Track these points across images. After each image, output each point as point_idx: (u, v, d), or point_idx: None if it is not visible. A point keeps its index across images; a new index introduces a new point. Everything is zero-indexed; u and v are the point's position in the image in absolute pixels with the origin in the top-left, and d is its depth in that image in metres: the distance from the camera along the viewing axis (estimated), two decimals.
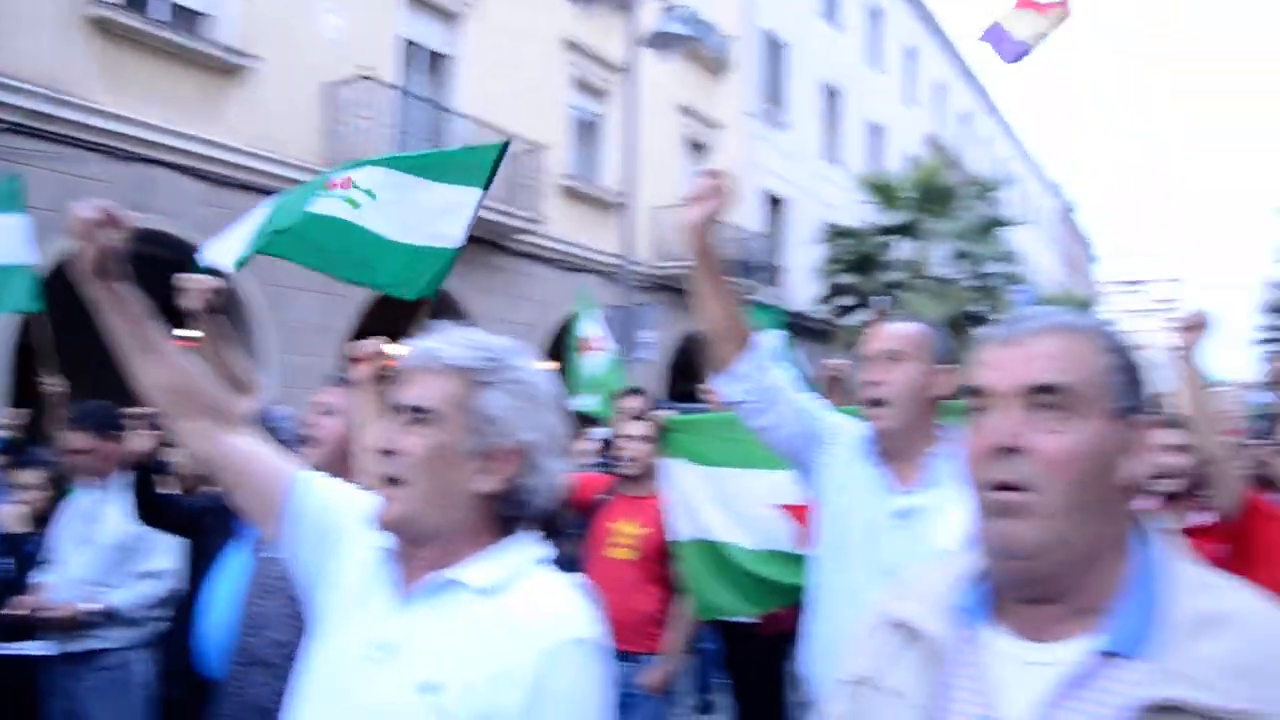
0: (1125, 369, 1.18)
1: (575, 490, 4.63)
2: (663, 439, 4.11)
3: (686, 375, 17.95)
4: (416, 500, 1.44)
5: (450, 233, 3.80)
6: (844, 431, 2.55)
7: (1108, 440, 1.14)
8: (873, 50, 28.67)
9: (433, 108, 14.35)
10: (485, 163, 3.88)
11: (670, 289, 18.23)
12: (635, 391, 5.26)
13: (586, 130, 17.56)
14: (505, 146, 3.96)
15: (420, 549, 1.47)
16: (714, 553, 3.85)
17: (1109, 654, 1.10)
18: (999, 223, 21.67)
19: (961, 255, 20.73)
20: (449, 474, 1.45)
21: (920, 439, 2.40)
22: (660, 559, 4.13)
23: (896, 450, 2.40)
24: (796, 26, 24.15)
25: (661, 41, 12.00)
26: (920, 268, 20.71)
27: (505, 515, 1.50)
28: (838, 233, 20.92)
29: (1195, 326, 3.05)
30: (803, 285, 22.69)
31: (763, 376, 2.50)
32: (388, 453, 1.46)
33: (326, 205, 3.74)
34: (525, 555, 1.50)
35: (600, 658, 1.42)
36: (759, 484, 3.46)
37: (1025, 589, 1.17)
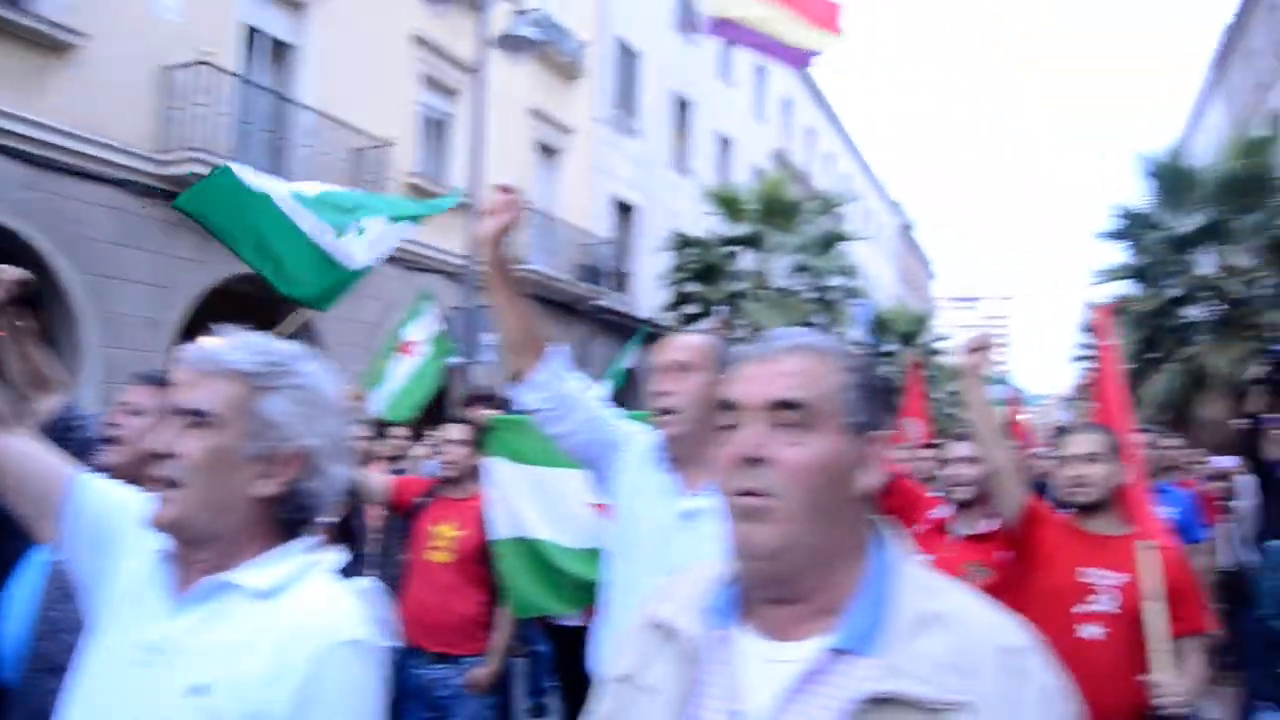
0: (863, 388, 1.28)
1: (395, 493, 4.62)
2: (484, 439, 4.14)
3: None
4: (193, 503, 1.44)
5: (361, 256, 3.85)
6: (636, 438, 2.64)
7: (843, 453, 1.24)
8: (723, 64, 29.28)
9: (275, 98, 13.94)
10: (435, 209, 4.03)
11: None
12: (484, 399, 5.25)
13: (435, 129, 17.37)
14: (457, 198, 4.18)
15: (197, 552, 1.47)
16: (532, 551, 3.89)
17: (841, 651, 1.19)
18: (840, 238, 22.39)
19: (803, 268, 21.34)
20: (227, 477, 1.45)
21: (708, 445, 2.51)
22: (480, 561, 4.15)
23: (685, 456, 2.50)
24: (649, 36, 24.46)
25: (511, 44, 11.99)
26: (763, 279, 21.23)
27: (286, 519, 1.52)
28: (684, 242, 21.25)
29: (980, 347, 3.26)
30: (650, 293, 22.98)
31: (559, 385, 2.58)
32: (164, 455, 1.45)
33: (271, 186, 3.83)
34: (304, 559, 1.52)
35: (372, 660, 1.45)
36: (578, 483, 3.53)
37: (768, 590, 1.25)
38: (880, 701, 1.14)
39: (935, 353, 40.00)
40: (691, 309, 21.30)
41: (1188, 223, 18.04)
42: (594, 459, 2.66)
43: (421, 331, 9.26)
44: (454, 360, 9.95)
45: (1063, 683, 1.20)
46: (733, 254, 21.34)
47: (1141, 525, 3.07)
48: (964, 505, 3.63)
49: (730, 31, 7.02)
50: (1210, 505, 7.35)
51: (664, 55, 25.29)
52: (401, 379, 8.85)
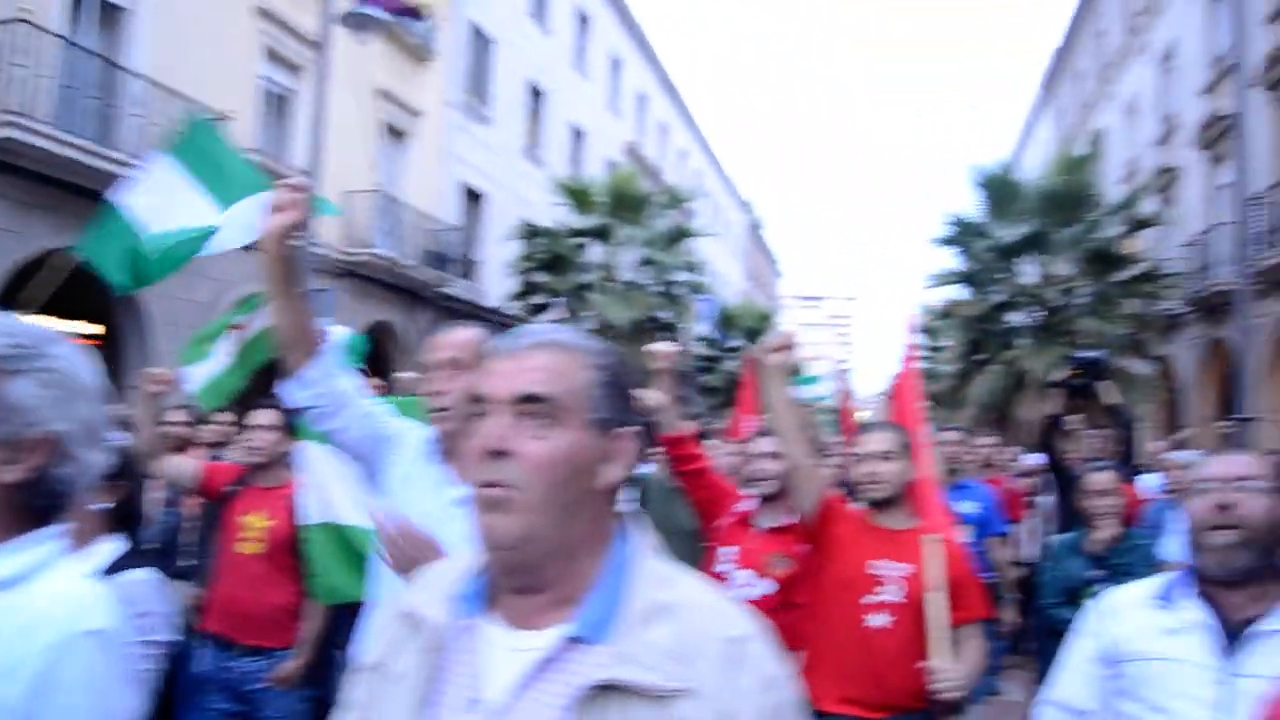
0: (608, 385, 1.31)
1: (205, 481, 4.46)
2: (295, 424, 4.04)
3: (373, 363, 17.59)
4: None
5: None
6: (410, 434, 2.66)
7: (587, 448, 1.27)
8: (579, 55, 29.29)
9: (104, 63, 13.23)
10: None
11: (359, 276, 17.84)
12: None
13: (277, 104, 16.79)
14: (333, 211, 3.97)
15: None
16: (341, 536, 3.83)
17: (577, 640, 1.22)
18: (687, 233, 22.67)
19: (650, 262, 21.53)
20: None
21: None
22: (291, 551, 4.05)
23: (459, 450, 2.52)
24: (504, 22, 24.23)
25: (356, 22, 11.69)
26: (611, 272, 21.34)
27: (33, 506, 1.45)
28: (532, 231, 21.16)
29: (782, 347, 3.37)
30: (498, 281, 22.82)
31: (331, 382, 2.57)
32: None
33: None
34: (50, 548, 1.46)
35: (117, 651, 1.40)
36: None
37: (512, 579, 1.27)
38: (607, 688, 1.17)
39: None
40: (539, 299, 21.25)
41: (1013, 233, 19.00)
42: (366, 455, 2.67)
43: (259, 316, 8.90)
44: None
45: (786, 671, 1.25)
46: (581, 246, 21.37)
47: (928, 519, 3.22)
48: (767, 499, 3.75)
49: None
50: (1017, 501, 7.78)
51: (518, 43, 25.11)
52: (223, 362, 8.51)
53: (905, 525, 3.27)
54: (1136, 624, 2.18)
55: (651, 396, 3.77)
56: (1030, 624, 6.43)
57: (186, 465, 4.66)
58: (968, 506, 5.88)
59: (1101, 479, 4.24)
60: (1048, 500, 7.82)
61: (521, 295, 21.46)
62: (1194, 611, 2.11)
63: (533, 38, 25.95)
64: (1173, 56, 23.12)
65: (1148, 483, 8.92)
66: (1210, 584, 2.11)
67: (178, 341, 12.77)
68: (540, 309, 21.25)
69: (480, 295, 22.71)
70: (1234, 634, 2.05)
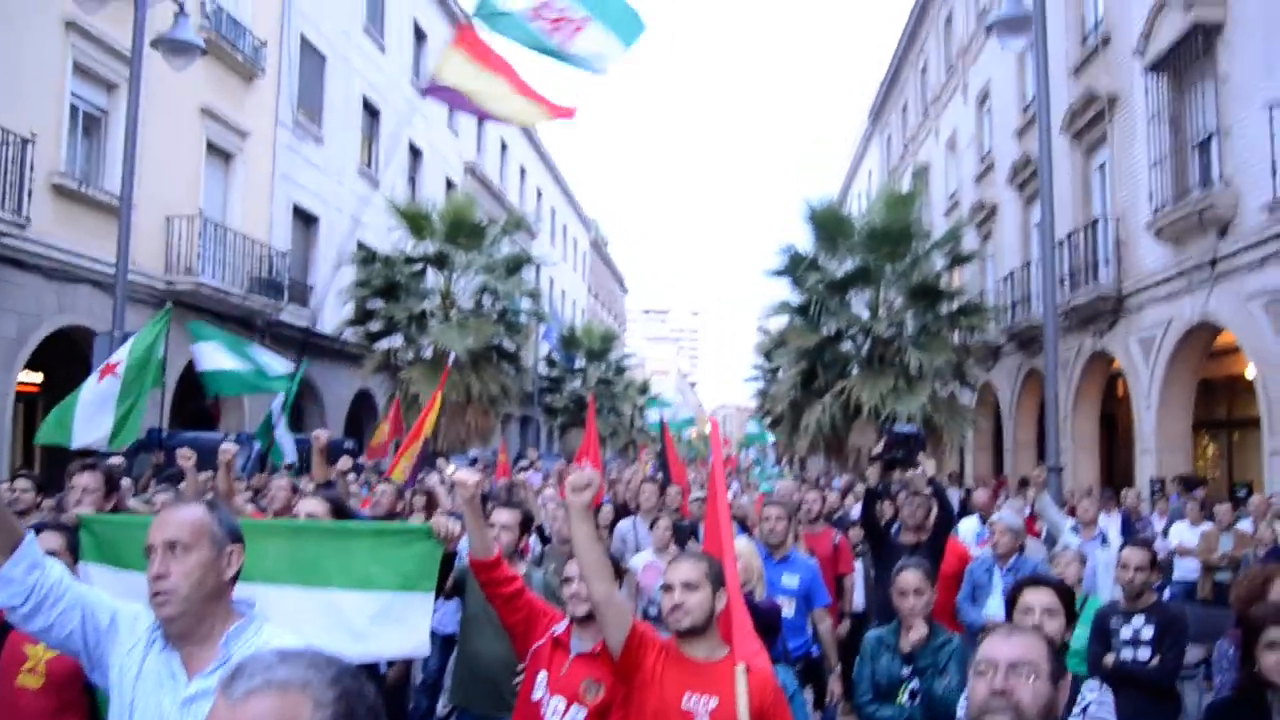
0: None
1: None
2: (75, 543, 3.75)
3: (191, 396, 16.78)
4: None
5: None
6: (135, 620, 2.48)
7: None
8: (415, 71, 28.73)
9: None
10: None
11: (183, 305, 16.99)
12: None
13: (91, 125, 15.81)
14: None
15: None
16: None
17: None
18: (526, 260, 22.49)
19: (489, 289, 21.26)
20: None
21: (215, 621, 2.38)
22: (74, 683, 3.73)
23: (186, 635, 2.36)
24: (337, 38, 23.55)
25: (172, 48, 11.09)
26: (449, 299, 20.98)
27: None
28: (368, 257, 20.61)
29: (583, 487, 3.26)
30: (333, 307, 22.14)
31: (33, 577, 2.40)
32: None
33: None
34: None
35: None
36: None
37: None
38: None
39: (623, 370, 41.24)
40: (375, 326, 20.71)
41: (843, 267, 19.59)
42: (86, 649, 2.47)
43: (127, 352, 8.37)
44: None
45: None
46: (419, 272, 20.94)
47: (736, 647, 3.21)
48: (580, 620, 3.67)
49: (455, 99, 7.09)
50: (847, 554, 7.93)
51: (353, 59, 24.47)
52: (103, 405, 8.04)
53: (714, 654, 3.24)
54: None
55: (453, 525, 3.63)
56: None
57: None
58: (791, 581, 5.95)
59: (910, 579, 4.32)
60: (867, 564, 8.04)
61: (357, 321, 20.87)
62: None
63: (367, 54, 25.32)
64: (989, 98, 24.32)
65: (968, 529, 9.29)
66: None
67: None
68: (376, 336, 20.70)
69: (314, 322, 22.00)
70: None
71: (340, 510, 4.48)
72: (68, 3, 14.27)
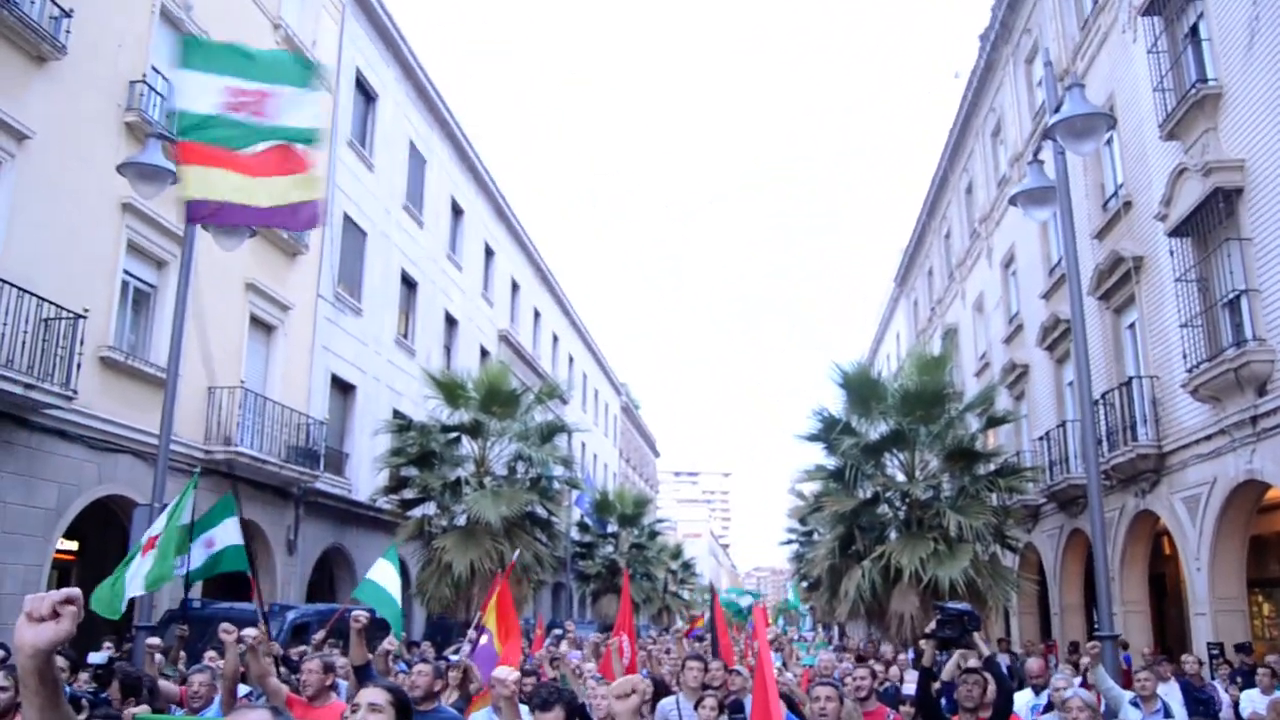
0: None
1: None
2: None
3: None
4: None
5: None
6: None
7: None
8: (452, 244, 29.65)
9: None
10: None
11: (219, 474, 17.12)
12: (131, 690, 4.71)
13: (140, 299, 16.32)
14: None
15: None
16: None
17: None
18: (560, 429, 22.62)
19: (523, 457, 21.32)
20: None
21: None
22: None
23: None
24: (378, 216, 24.45)
25: (224, 230, 11.50)
26: (483, 466, 21.04)
27: None
28: (403, 425, 20.83)
29: None
30: (368, 475, 22.24)
31: None
32: None
33: None
34: None
35: None
36: None
37: None
38: None
39: (656, 535, 40.77)
40: (409, 493, 20.73)
41: (877, 429, 19.53)
42: None
43: (164, 524, 8.38)
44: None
45: None
46: (453, 440, 21.08)
47: None
48: None
49: (215, 213, 7.38)
50: None
51: (392, 234, 25.31)
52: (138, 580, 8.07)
53: None
54: None
55: None
56: None
57: None
58: None
59: None
60: None
61: (392, 490, 20.92)
62: None
63: (405, 228, 26.20)
64: (1013, 261, 24.70)
65: (1023, 701, 8.97)
66: None
67: (23, 552, 11.95)
68: (411, 504, 20.69)
69: (350, 490, 22.07)
70: None
71: (404, 708, 3.53)
72: (125, 185, 14.97)
